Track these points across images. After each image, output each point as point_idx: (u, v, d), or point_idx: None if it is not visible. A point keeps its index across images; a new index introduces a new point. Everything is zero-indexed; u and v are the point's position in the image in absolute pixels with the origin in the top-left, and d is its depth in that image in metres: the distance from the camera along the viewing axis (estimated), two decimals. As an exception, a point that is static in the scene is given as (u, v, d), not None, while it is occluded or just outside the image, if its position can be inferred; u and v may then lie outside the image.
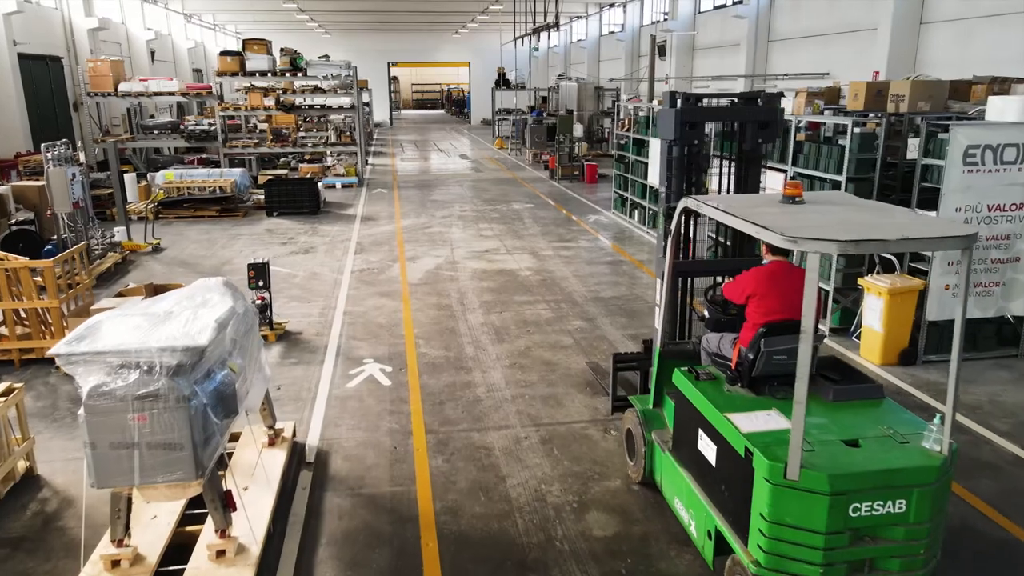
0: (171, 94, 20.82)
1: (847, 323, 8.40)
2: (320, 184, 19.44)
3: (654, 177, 13.00)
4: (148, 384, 3.72)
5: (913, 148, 7.84)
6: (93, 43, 23.88)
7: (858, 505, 3.56)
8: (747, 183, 5.81)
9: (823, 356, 4.57)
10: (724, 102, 6.65)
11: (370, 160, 27.67)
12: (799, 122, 9.11)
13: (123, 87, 20.09)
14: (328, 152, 23.12)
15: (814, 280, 3.34)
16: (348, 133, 23.34)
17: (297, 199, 16.49)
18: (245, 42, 20.88)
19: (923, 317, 7.44)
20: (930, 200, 7.61)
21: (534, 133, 27.02)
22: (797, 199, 4.20)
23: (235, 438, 5.62)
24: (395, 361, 7.76)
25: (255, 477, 5.05)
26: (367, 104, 35.93)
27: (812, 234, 3.42)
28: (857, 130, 8.47)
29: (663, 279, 5.27)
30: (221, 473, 5.07)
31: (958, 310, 3.67)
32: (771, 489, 3.57)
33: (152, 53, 30.59)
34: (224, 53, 20.98)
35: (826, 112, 9.46)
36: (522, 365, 7.62)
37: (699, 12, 26.83)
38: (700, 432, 4.29)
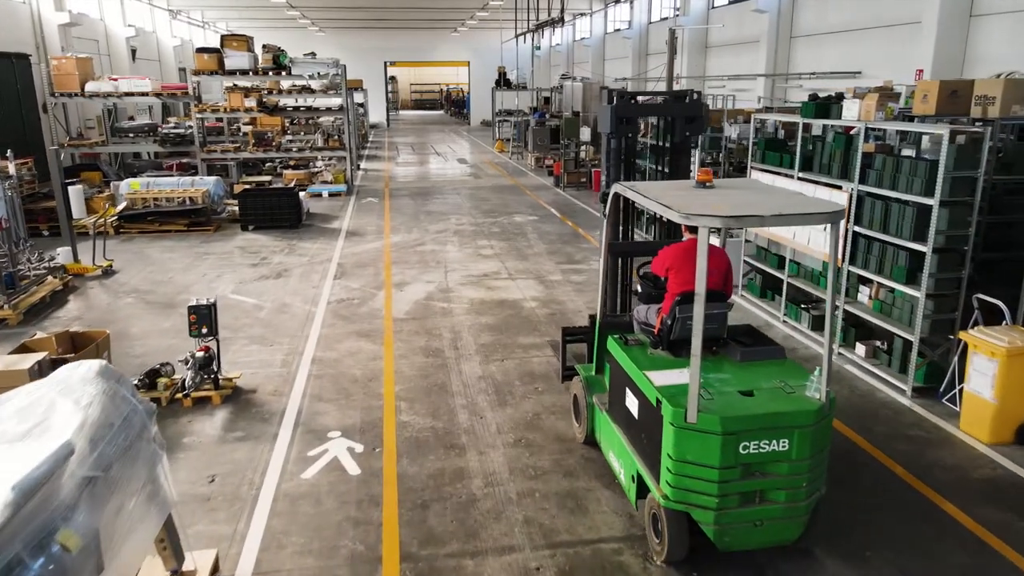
0: (144, 94, 19.13)
1: (935, 381, 6.73)
2: (305, 192, 17.84)
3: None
4: None
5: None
6: (65, 40, 22.18)
7: (747, 444, 4.08)
8: (678, 171, 6.40)
9: (738, 324, 5.27)
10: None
11: (363, 165, 26.00)
12: (868, 130, 7.42)
13: (91, 87, 18.45)
14: (318, 157, 21.44)
15: (704, 251, 3.94)
16: (336, 137, 21.64)
17: (275, 211, 14.80)
18: (223, 38, 19.19)
19: (1048, 383, 5.79)
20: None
21: (536, 136, 25.36)
22: (708, 184, 4.73)
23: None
24: (368, 435, 6.10)
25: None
26: (361, 105, 34.25)
27: (703, 211, 3.99)
28: (926, 136, 6.86)
29: (602, 258, 5.96)
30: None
31: (831, 277, 4.36)
32: (675, 432, 4.11)
33: (133, 51, 28.90)
34: (201, 50, 19.32)
35: (893, 117, 7.78)
36: (530, 443, 5.96)
37: (713, 7, 25.15)
38: (627, 391, 4.83)
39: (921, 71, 14.50)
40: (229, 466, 5.58)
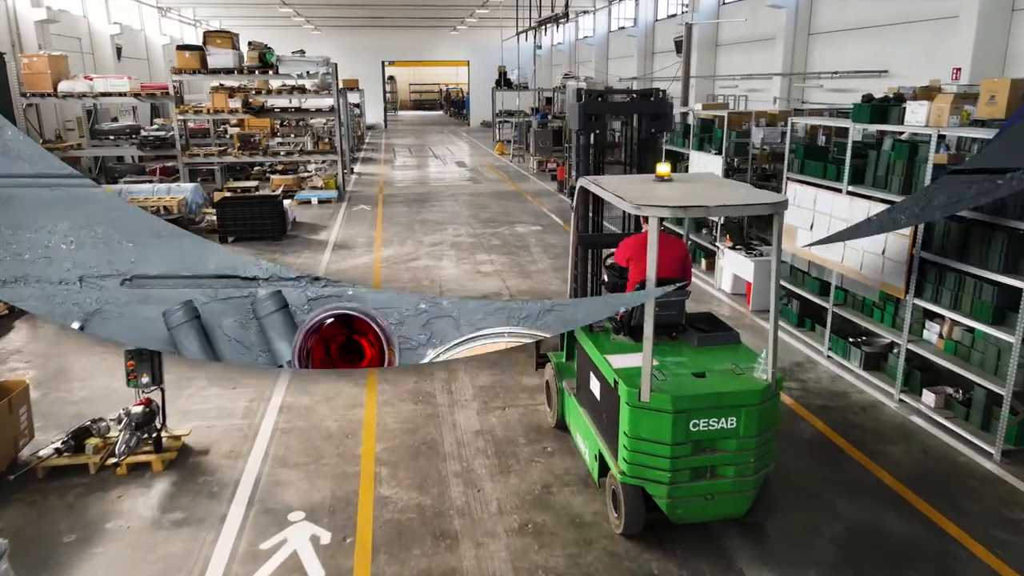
0: (122, 95, 17.99)
1: (1029, 443, 5.58)
2: (293, 200, 16.70)
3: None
4: None
5: None
6: (43, 37, 21.02)
7: (697, 421, 4.32)
8: (644, 166, 6.43)
9: (699, 312, 5.70)
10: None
11: (357, 168, 24.83)
12: (940, 139, 6.24)
13: (64, 86, 17.25)
14: (310, 160, 20.25)
15: (654, 239, 4.18)
16: (327, 139, 20.46)
17: (257, 222, 13.59)
18: (206, 34, 18.04)
19: None
20: None
21: (538, 138, 24.23)
22: (666, 178, 5.02)
23: None
24: (339, 517, 4.93)
25: None
26: (357, 105, 33.09)
27: (654, 202, 4.29)
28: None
29: (571, 250, 6.20)
30: None
31: (773, 265, 4.72)
32: (630, 411, 4.37)
33: (119, 49, 27.71)
34: (183, 47, 18.19)
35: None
36: (539, 528, 4.80)
37: (724, 3, 23.97)
38: (591, 375, 5.12)
39: (959, 70, 13.34)
40: (158, 566, 4.41)
